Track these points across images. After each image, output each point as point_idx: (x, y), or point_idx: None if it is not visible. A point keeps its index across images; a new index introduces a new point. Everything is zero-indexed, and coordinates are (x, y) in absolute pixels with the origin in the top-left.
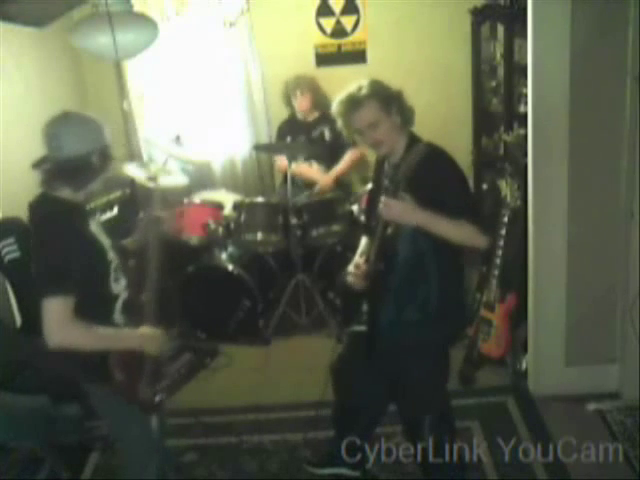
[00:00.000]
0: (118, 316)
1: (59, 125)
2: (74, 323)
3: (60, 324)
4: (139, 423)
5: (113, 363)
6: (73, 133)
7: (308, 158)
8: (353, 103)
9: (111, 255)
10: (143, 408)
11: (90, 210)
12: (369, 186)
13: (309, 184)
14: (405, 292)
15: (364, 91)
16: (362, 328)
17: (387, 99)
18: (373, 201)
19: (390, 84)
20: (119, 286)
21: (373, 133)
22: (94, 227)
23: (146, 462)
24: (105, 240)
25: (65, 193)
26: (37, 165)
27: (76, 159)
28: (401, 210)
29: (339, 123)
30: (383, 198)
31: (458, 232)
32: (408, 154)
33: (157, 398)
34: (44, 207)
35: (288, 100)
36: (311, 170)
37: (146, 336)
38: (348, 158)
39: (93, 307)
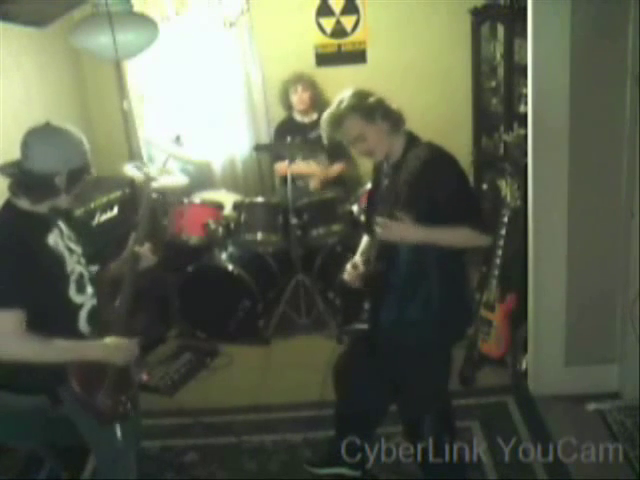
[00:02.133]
0: (84, 325)
1: (35, 136)
2: (26, 336)
3: (10, 338)
4: (105, 431)
5: (70, 373)
6: (43, 149)
7: (306, 159)
8: (335, 120)
9: (72, 266)
10: (101, 420)
11: (50, 222)
12: (368, 186)
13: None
14: (407, 291)
15: (343, 106)
16: (364, 326)
17: (368, 109)
18: (372, 200)
19: (389, 84)
20: (83, 296)
21: (362, 144)
22: (53, 239)
23: (113, 470)
24: (66, 251)
25: (24, 203)
26: (3, 169)
27: (38, 175)
28: (399, 231)
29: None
30: (379, 219)
31: (458, 239)
32: (407, 155)
33: (120, 408)
34: (2, 215)
35: (286, 98)
36: (308, 166)
37: (110, 347)
38: (336, 168)
39: (53, 317)
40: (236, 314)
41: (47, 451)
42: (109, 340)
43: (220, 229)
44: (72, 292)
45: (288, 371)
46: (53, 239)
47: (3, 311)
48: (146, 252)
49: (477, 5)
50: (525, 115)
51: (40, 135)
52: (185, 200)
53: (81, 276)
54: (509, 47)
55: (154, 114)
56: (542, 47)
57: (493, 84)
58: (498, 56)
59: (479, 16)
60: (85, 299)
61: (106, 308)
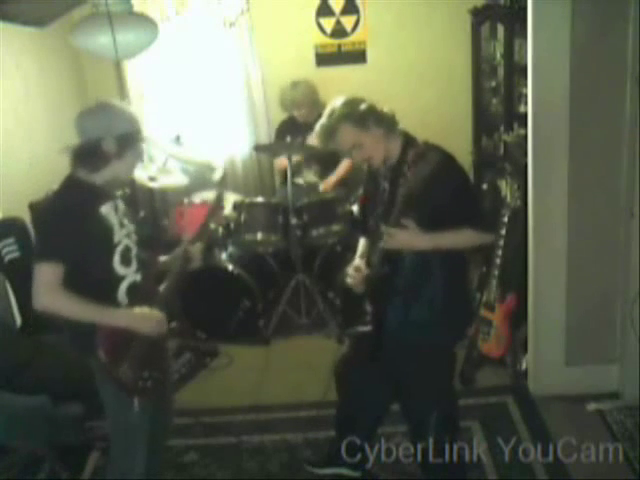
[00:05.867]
0: (122, 297)
1: (83, 112)
2: (61, 290)
3: (47, 289)
4: (129, 409)
5: (99, 338)
6: (88, 120)
7: (308, 160)
8: (328, 131)
9: (119, 238)
10: (122, 389)
11: (109, 194)
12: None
13: (310, 185)
14: (412, 293)
15: (335, 116)
16: (366, 328)
17: (360, 117)
18: (370, 203)
19: (389, 84)
20: (127, 269)
21: (358, 152)
22: (106, 209)
23: (129, 452)
24: (117, 223)
25: (82, 174)
26: (66, 148)
27: (87, 143)
28: (406, 239)
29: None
30: (386, 228)
31: (462, 241)
32: (405, 156)
33: (140, 383)
34: (61, 184)
35: (285, 106)
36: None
37: (140, 316)
38: (340, 168)
39: (93, 282)
40: (236, 314)
41: (47, 451)
42: (138, 310)
43: (220, 229)
44: (116, 263)
45: (288, 371)
46: (106, 209)
47: (43, 263)
48: (197, 252)
49: (477, 5)
50: (525, 115)
51: (88, 110)
52: (185, 200)
53: (128, 249)
54: (509, 47)
55: (154, 114)
56: (542, 47)
57: (493, 84)
58: (498, 56)
59: (479, 16)
60: (128, 272)
61: (149, 293)
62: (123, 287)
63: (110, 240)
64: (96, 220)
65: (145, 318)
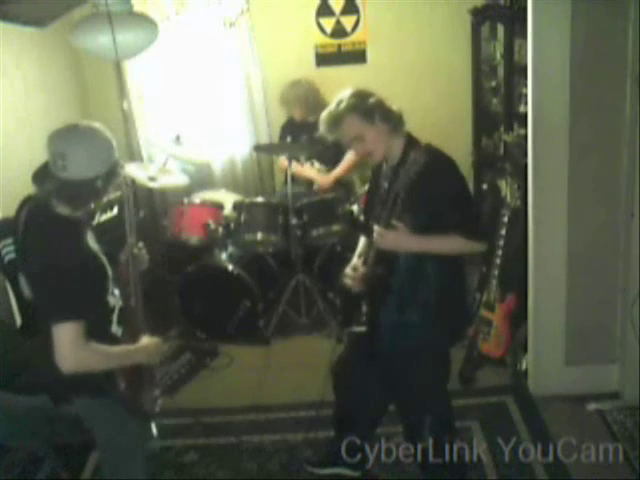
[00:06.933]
0: (115, 327)
1: (67, 142)
2: (86, 347)
3: (73, 350)
4: (128, 432)
5: (119, 377)
6: (80, 155)
7: (310, 158)
8: (334, 120)
9: (108, 268)
10: (143, 418)
11: (85, 222)
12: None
13: (311, 184)
14: (406, 294)
15: (342, 106)
16: (362, 329)
17: (367, 110)
18: (371, 202)
19: (389, 84)
20: (114, 298)
21: (361, 145)
22: (91, 242)
23: (132, 472)
24: (101, 251)
25: (64, 210)
26: (37, 180)
27: (80, 183)
28: (395, 240)
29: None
30: (376, 228)
31: (452, 247)
32: (406, 157)
33: (157, 407)
34: (42, 222)
35: (284, 104)
36: (310, 170)
37: (149, 348)
38: (348, 159)
39: (94, 322)
40: (236, 314)
41: (47, 451)
42: (145, 341)
43: (220, 229)
44: (109, 295)
45: (288, 371)
46: (91, 242)
47: (67, 323)
48: (141, 254)
49: (477, 5)
50: (525, 115)
51: (72, 141)
52: (185, 200)
53: (112, 278)
54: (509, 47)
55: (154, 114)
56: (542, 47)
57: (493, 84)
58: (498, 56)
59: (479, 16)
60: (115, 301)
61: (131, 314)
62: (114, 317)
63: (106, 274)
64: (92, 259)
65: (154, 347)
